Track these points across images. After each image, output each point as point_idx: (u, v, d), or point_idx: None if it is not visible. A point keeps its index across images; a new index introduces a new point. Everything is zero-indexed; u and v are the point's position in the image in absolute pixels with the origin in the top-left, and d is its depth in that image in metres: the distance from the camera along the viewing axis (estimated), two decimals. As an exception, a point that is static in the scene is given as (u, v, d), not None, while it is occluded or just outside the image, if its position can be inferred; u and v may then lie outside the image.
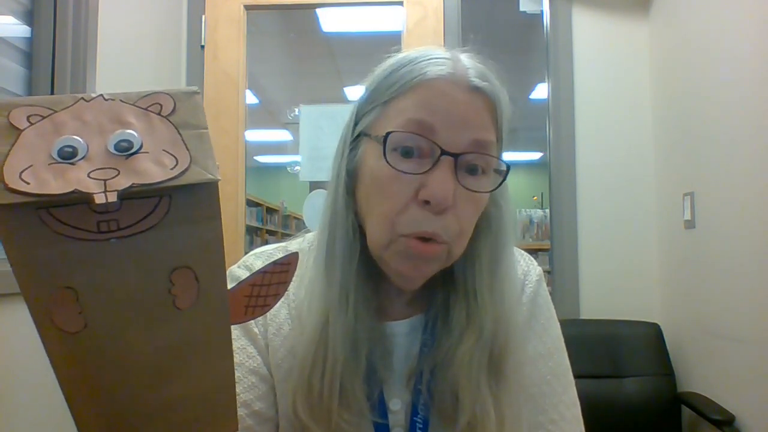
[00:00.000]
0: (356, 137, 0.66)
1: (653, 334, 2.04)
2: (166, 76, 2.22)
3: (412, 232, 0.59)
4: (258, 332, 0.68)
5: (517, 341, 0.67)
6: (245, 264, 0.74)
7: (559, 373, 0.72)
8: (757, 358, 1.58)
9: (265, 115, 5.41)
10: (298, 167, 2.30)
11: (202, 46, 2.36)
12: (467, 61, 0.64)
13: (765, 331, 1.54)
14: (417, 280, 0.65)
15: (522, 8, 2.48)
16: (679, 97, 2.06)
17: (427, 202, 0.58)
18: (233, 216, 2.33)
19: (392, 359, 0.67)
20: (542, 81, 2.51)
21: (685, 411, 1.94)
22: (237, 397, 0.63)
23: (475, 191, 0.61)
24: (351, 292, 0.63)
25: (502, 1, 3.23)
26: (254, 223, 5.30)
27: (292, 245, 0.76)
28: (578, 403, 0.74)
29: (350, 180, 0.65)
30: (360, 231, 0.65)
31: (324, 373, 0.62)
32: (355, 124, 0.66)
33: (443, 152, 0.59)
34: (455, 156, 0.59)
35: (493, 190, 0.63)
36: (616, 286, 2.25)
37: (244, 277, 0.72)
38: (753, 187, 1.59)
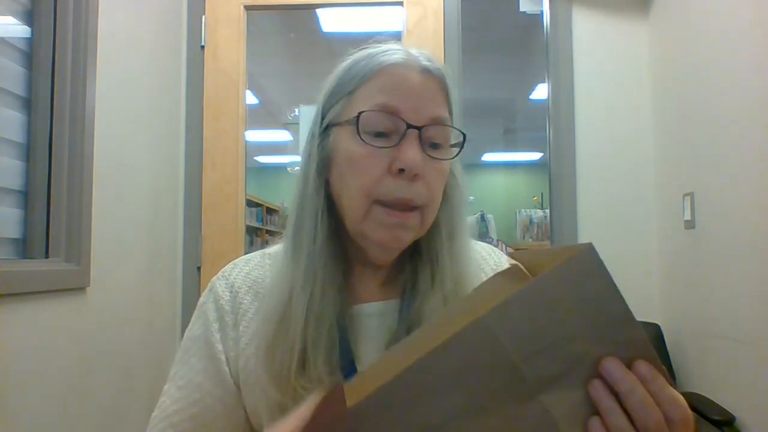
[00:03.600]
0: (324, 129, 0.72)
1: (653, 334, 2.04)
2: (166, 76, 2.22)
3: (389, 198, 0.66)
4: (221, 348, 0.72)
5: None
6: (225, 275, 0.77)
7: None
8: (757, 358, 1.58)
9: (265, 115, 5.41)
10: (298, 167, 2.30)
11: (202, 46, 2.36)
12: (416, 51, 0.72)
13: (765, 331, 1.54)
14: (394, 250, 0.70)
15: (522, 8, 2.48)
16: (679, 97, 2.06)
17: (401, 171, 0.65)
18: (233, 216, 2.33)
19: (366, 336, 0.70)
20: (542, 81, 2.51)
21: (685, 411, 1.94)
22: (196, 418, 0.69)
23: (440, 159, 0.69)
24: (318, 270, 0.68)
25: (502, 1, 3.23)
26: (254, 224, 5.30)
27: (271, 250, 0.79)
28: None
29: (321, 166, 0.71)
30: (329, 213, 0.70)
31: (285, 346, 0.66)
32: (322, 118, 0.72)
33: (409, 126, 0.66)
34: (419, 128, 0.67)
35: (455, 156, 0.71)
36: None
37: (220, 293, 0.76)
38: (753, 187, 1.59)
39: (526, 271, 0.45)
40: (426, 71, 0.69)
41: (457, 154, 0.71)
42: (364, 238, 0.69)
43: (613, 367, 0.42)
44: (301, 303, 0.66)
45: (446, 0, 2.35)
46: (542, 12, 2.42)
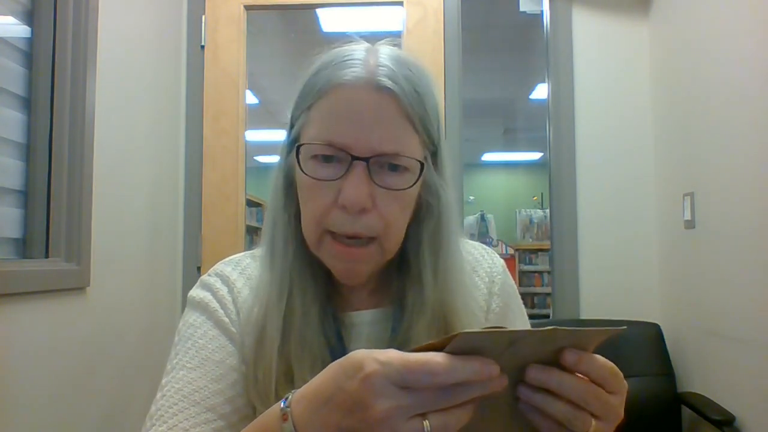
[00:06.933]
0: (292, 141, 0.68)
1: (653, 334, 2.04)
2: (166, 76, 2.22)
3: (337, 231, 0.63)
4: (235, 330, 0.70)
5: (465, 325, 0.69)
6: (216, 272, 0.75)
7: None
8: (757, 358, 1.58)
9: (265, 115, 5.40)
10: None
11: (202, 46, 2.36)
12: (383, 58, 0.65)
13: (765, 331, 1.54)
14: (356, 279, 0.68)
15: (522, 8, 2.48)
16: (679, 97, 2.06)
17: (345, 206, 0.62)
18: (233, 216, 2.33)
19: (358, 345, 0.68)
20: (542, 81, 2.52)
21: (685, 411, 1.94)
22: (222, 393, 0.65)
23: (391, 189, 0.63)
24: (295, 281, 0.67)
25: (502, 1, 3.23)
26: (254, 223, 5.28)
27: (258, 252, 0.76)
28: None
29: (288, 181, 0.69)
30: (299, 225, 0.68)
31: (265, 365, 0.65)
32: (291, 127, 0.69)
33: (353, 158, 0.62)
34: (365, 160, 0.62)
35: (408, 188, 0.64)
36: (616, 286, 2.25)
37: (218, 286, 0.74)
38: (753, 187, 1.59)
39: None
40: (382, 90, 0.62)
41: (411, 186, 0.64)
42: (324, 263, 0.68)
43: (534, 373, 0.46)
44: (275, 321, 0.65)
45: (446, 0, 2.35)
46: (542, 12, 2.42)
